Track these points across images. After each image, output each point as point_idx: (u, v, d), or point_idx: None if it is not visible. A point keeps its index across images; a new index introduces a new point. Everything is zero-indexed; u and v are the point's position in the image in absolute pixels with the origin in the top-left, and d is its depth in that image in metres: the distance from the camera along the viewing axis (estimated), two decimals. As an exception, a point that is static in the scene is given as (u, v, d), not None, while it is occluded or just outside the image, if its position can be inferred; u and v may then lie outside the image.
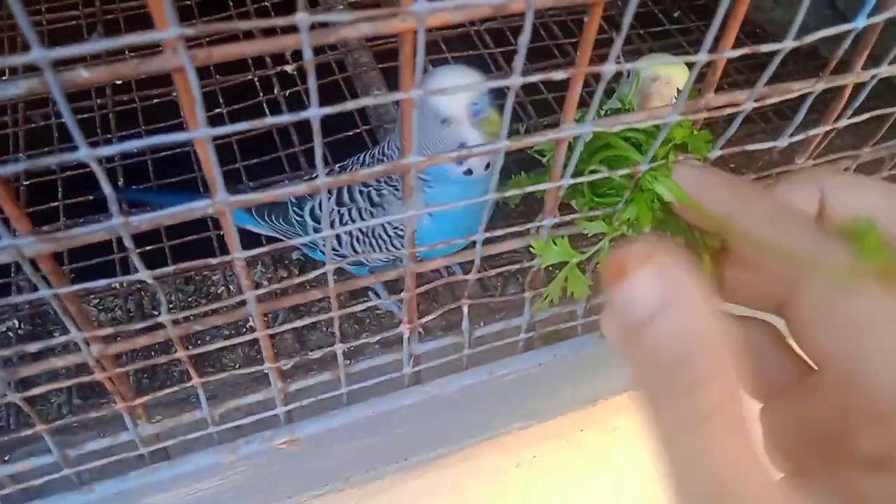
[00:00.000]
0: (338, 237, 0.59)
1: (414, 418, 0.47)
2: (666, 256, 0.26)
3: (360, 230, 0.58)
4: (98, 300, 0.63)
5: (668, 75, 0.61)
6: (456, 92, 0.50)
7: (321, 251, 0.60)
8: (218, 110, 0.78)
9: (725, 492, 0.23)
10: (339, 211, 0.58)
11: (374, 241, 0.58)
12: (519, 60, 0.27)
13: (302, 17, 0.23)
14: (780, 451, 0.30)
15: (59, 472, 0.40)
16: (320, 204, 0.59)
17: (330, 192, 0.58)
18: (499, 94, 0.36)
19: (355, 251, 0.59)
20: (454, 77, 0.52)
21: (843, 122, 0.40)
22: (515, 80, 0.28)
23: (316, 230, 0.59)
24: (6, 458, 0.41)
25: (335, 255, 0.60)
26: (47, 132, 0.76)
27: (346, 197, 0.58)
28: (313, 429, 0.44)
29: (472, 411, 0.49)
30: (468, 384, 0.46)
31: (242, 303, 0.36)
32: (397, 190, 0.57)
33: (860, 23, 0.31)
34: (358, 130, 0.78)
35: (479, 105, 0.53)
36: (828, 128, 0.39)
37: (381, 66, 0.85)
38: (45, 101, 0.79)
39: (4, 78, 0.23)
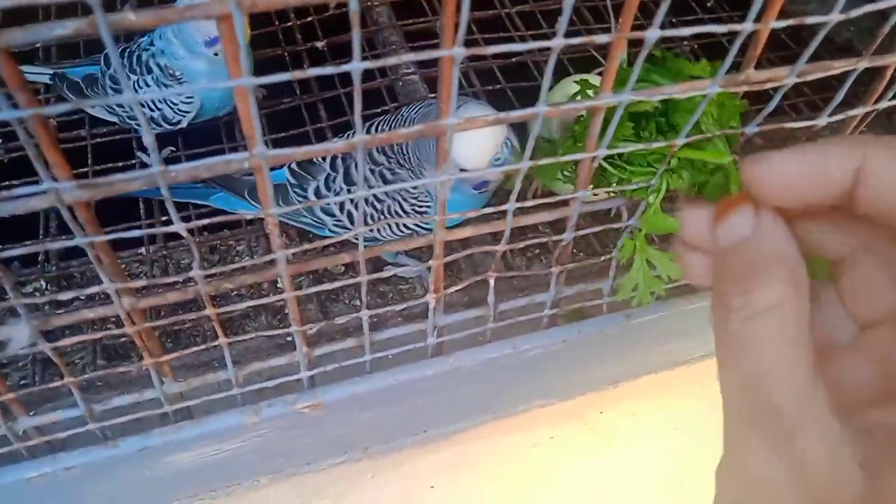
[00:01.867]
0: (349, 216, 0.59)
1: (435, 389, 0.47)
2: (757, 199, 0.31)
3: (375, 207, 0.58)
4: (124, 265, 0.64)
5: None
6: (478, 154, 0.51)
7: (329, 229, 0.60)
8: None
9: (758, 388, 0.27)
10: (348, 190, 0.58)
11: (389, 217, 0.57)
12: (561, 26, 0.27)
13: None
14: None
15: (85, 426, 0.40)
16: (325, 183, 0.59)
17: (336, 170, 0.58)
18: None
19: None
20: (480, 137, 0.50)
21: (884, 104, 0.39)
22: (558, 42, 0.28)
23: (324, 210, 0.59)
24: (32, 413, 0.41)
25: (343, 231, 0.60)
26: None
27: (354, 176, 0.58)
28: (336, 394, 0.44)
29: (494, 385, 0.49)
30: (491, 357, 0.46)
31: (272, 263, 0.36)
32: (411, 170, 0.56)
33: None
34: (386, 108, 0.78)
35: (500, 158, 0.52)
36: (868, 108, 0.39)
37: (410, 45, 0.85)
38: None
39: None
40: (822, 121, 0.37)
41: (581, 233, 0.41)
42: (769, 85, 0.34)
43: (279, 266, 0.36)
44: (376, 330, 0.43)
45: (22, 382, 0.53)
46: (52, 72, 0.72)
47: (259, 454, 0.46)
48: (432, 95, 0.75)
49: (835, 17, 0.31)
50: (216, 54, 0.63)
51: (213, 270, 0.35)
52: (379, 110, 0.78)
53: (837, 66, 0.35)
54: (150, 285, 0.34)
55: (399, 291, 0.61)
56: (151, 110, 0.67)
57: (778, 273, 0.29)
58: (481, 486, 0.65)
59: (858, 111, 0.39)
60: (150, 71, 0.66)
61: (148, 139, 0.27)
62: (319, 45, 0.82)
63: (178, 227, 0.31)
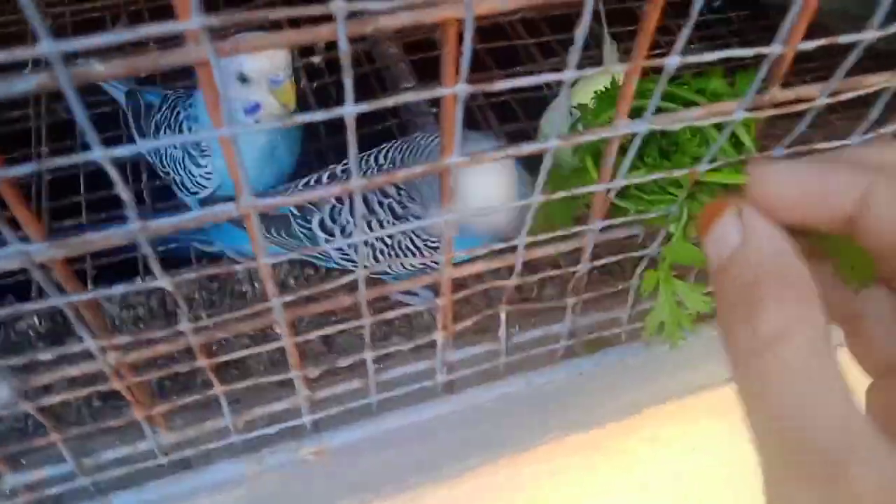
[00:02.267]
0: (356, 249, 0.56)
1: (447, 428, 0.44)
2: (742, 202, 0.28)
3: (385, 242, 0.55)
4: (120, 297, 0.61)
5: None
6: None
7: (336, 262, 0.57)
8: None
9: (789, 429, 0.24)
10: (355, 223, 0.55)
11: (399, 253, 0.55)
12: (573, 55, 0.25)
13: (338, 6, 0.20)
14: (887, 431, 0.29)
15: (76, 480, 0.38)
16: (330, 215, 0.56)
17: (342, 202, 0.56)
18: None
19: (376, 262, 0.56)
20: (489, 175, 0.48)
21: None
22: (570, 75, 0.25)
23: (328, 242, 0.56)
24: (23, 463, 0.39)
25: (351, 265, 0.57)
26: (72, 124, 0.74)
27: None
28: (341, 439, 0.42)
29: (509, 421, 0.47)
30: (504, 393, 0.44)
31: (268, 309, 0.34)
32: (423, 205, 0.53)
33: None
34: (388, 124, 0.76)
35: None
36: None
37: (410, 57, 0.82)
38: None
39: (26, 71, 0.21)
40: (856, 140, 0.34)
41: (598, 263, 0.39)
42: (799, 107, 0.31)
43: (275, 314, 0.33)
44: (383, 364, 0.41)
45: (18, 427, 0.51)
46: (126, 89, 0.69)
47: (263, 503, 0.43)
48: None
49: (870, 35, 0.28)
50: (257, 121, 0.56)
51: (204, 322, 0.32)
52: (379, 126, 0.75)
53: (872, 83, 0.33)
54: (136, 340, 0.32)
55: (407, 318, 0.58)
56: (174, 174, 0.62)
57: (781, 288, 0.25)
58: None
59: (894, 128, 0.36)
60: (181, 131, 0.60)
61: (124, 195, 0.24)
62: (316, 60, 0.79)
63: (163, 281, 0.29)
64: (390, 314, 0.37)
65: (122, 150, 0.23)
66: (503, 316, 0.41)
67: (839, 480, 0.23)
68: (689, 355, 0.48)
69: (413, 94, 0.25)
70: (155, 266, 0.28)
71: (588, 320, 0.44)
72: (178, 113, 0.61)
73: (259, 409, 0.40)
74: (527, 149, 0.29)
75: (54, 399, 0.34)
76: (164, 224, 0.26)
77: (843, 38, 0.29)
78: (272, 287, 0.32)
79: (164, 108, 0.63)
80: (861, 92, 0.33)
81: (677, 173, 0.33)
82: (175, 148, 0.61)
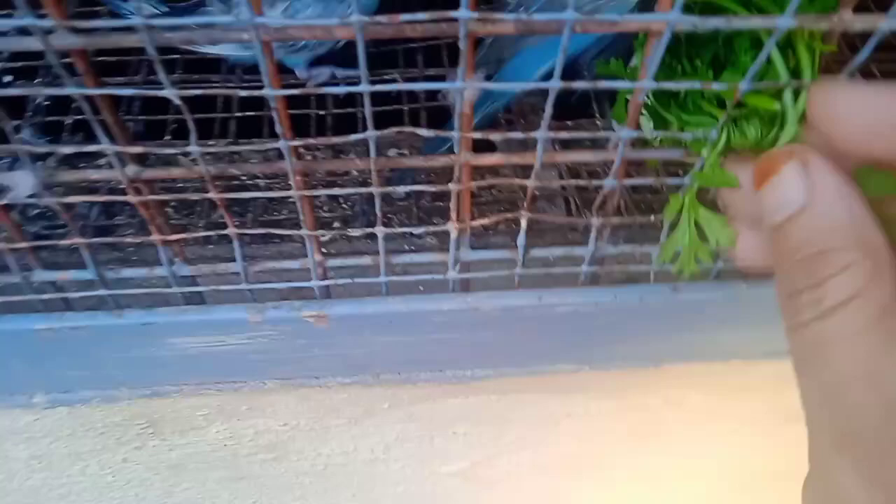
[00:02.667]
0: None
1: (452, 327, 0.44)
2: (810, 152, 0.26)
3: None
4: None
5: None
6: None
7: None
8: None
9: (842, 401, 0.23)
10: None
11: None
12: None
13: None
14: None
15: (95, 290, 0.41)
16: None
17: None
18: None
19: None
20: None
21: None
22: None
23: None
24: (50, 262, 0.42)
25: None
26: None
27: None
28: (344, 310, 0.42)
29: (517, 337, 0.46)
30: (513, 304, 0.43)
31: (281, 156, 0.34)
32: None
33: None
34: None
35: None
36: None
37: None
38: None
39: None
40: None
41: (628, 182, 0.37)
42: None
43: (286, 162, 0.34)
44: (395, 251, 0.41)
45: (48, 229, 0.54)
46: None
47: (264, 356, 0.45)
48: None
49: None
50: None
51: (212, 149, 0.33)
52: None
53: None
54: (151, 153, 0.33)
55: (426, 207, 0.57)
56: None
57: (850, 254, 0.24)
58: (511, 449, 0.62)
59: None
60: None
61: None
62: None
63: (169, 92, 0.30)
64: (401, 188, 0.37)
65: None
66: (523, 223, 0.40)
67: (883, 467, 0.22)
68: (721, 313, 0.45)
69: None
70: (161, 74, 0.29)
71: (617, 250, 0.42)
72: None
73: (271, 264, 0.41)
74: (542, 19, 0.28)
75: (74, 199, 0.36)
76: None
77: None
78: (282, 126, 0.32)
79: None
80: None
81: (714, 86, 0.31)
82: None
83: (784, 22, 0.27)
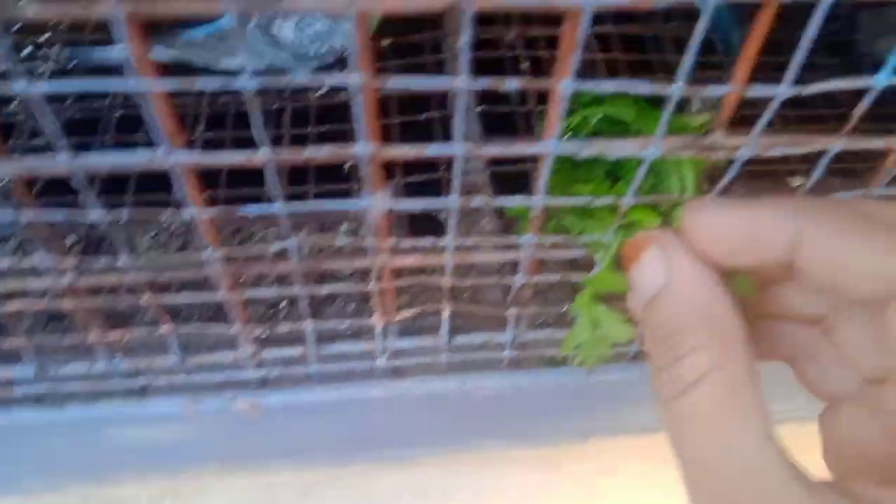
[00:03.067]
0: None
1: (385, 411, 0.46)
2: (668, 238, 0.29)
3: None
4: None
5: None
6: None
7: None
8: None
9: (704, 474, 0.25)
10: None
11: None
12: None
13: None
14: (832, 457, 0.29)
15: (35, 385, 0.42)
16: None
17: None
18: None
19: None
20: None
21: (879, 192, 0.36)
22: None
23: None
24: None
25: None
26: None
27: None
28: (277, 399, 0.44)
29: (447, 417, 0.48)
30: (440, 389, 0.45)
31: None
32: None
33: (880, 80, 0.28)
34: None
35: None
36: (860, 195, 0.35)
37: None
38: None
39: None
40: (797, 181, 0.34)
41: (534, 280, 0.40)
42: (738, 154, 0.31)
43: (213, 267, 0.36)
44: (325, 342, 0.43)
45: None
46: None
47: (203, 443, 0.47)
48: None
49: (784, 90, 0.28)
50: None
51: (141, 262, 0.36)
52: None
53: (815, 144, 0.33)
54: (85, 266, 0.35)
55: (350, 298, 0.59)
56: None
57: (702, 335, 0.26)
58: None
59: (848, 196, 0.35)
60: None
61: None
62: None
63: (95, 214, 0.32)
64: (326, 289, 0.39)
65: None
66: (445, 314, 0.42)
67: None
68: (635, 392, 0.48)
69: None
70: (90, 199, 0.31)
71: (536, 336, 0.45)
72: None
73: (205, 356, 0.43)
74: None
75: (13, 307, 0.38)
76: (98, 162, 0.30)
77: (757, 89, 0.29)
78: (208, 240, 0.35)
79: None
80: (802, 150, 0.32)
81: (598, 202, 0.34)
82: None
83: (652, 152, 0.30)
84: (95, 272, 0.37)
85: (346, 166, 0.74)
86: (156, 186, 0.65)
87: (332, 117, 0.71)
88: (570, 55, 0.27)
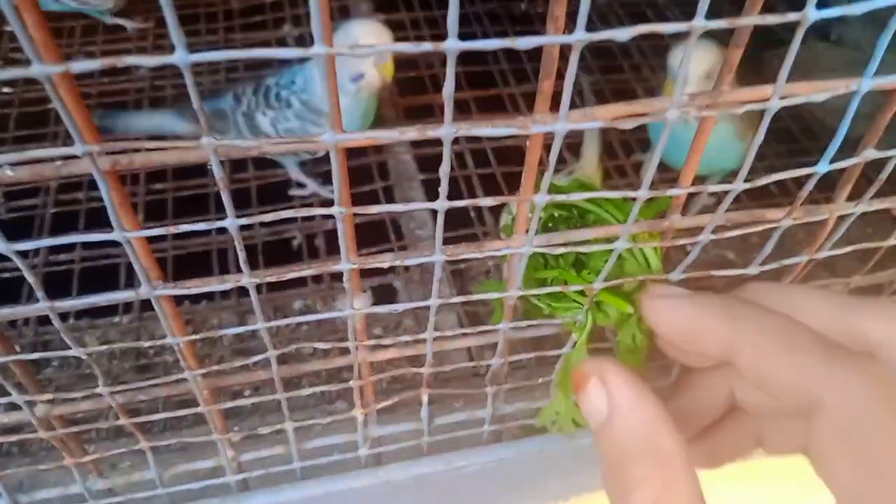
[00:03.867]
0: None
1: (368, 501, 0.46)
2: (609, 370, 0.29)
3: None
4: (100, 332, 0.65)
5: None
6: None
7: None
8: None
9: None
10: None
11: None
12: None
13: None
14: None
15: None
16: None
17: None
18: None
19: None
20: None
21: (824, 254, 0.38)
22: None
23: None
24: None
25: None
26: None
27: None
28: (262, 501, 0.44)
29: (430, 498, 0.48)
30: (425, 472, 0.45)
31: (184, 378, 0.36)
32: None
33: (822, 168, 0.30)
34: (373, 186, 0.79)
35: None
36: (805, 259, 0.38)
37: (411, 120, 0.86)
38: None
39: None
40: (753, 270, 0.36)
41: (513, 359, 0.41)
42: (695, 238, 0.33)
43: (192, 385, 0.36)
44: (305, 438, 0.43)
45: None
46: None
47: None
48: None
49: (739, 186, 0.30)
50: (359, 89, 0.68)
51: (121, 388, 0.35)
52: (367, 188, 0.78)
53: (766, 219, 0.34)
54: (59, 397, 0.35)
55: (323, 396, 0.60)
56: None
57: (644, 467, 0.27)
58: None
59: (797, 260, 0.37)
60: (290, 106, 0.70)
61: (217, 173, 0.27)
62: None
63: (77, 350, 0.32)
64: (304, 392, 0.39)
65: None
66: (425, 398, 0.43)
67: None
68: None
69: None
70: (68, 338, 0.31)
71: (513, 408, 0.45)
72: (276, 93, 0.71)
73: (185, 466, 0.43)
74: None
75: (-16, 442, 0.37)
76: (70, 305, 0.29)
77: (712, 187, 0.30)
78: (189, 361, 0.34)
79: (245, 99, 0.72)
80: (755, 229, 0.34)
81: (572, 288, 0.35)
82: (289, 119, 0.70)
83: (620, 244, 0.32)
84: (72, 401, 0.36)
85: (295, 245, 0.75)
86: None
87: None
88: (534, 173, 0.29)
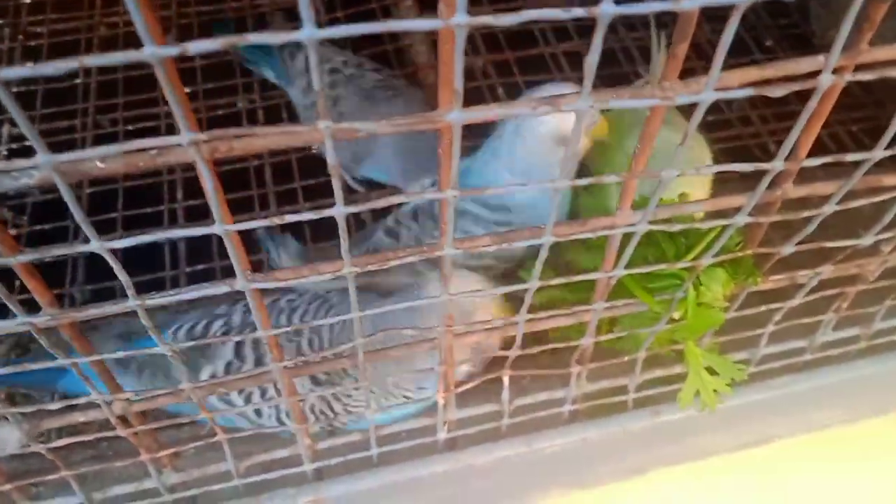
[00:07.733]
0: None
1: (447, 485, 0.45)
2: None
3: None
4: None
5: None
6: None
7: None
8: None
9: None
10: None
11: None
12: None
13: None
14: None
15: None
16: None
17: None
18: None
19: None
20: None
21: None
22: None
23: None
24: (37, 491, 0.41)
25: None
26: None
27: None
28: (339, 489, 0.43)
29: (510, 482, 0.47)
30: (504, 455, 0.44)
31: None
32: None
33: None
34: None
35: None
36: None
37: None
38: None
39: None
40: (868, 241, 0.34)
41: (602, 339, 0.39)
42: (804, 214, 0.31)
43: (275, 374, 0.34)
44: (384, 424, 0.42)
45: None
46: None
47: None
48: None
49: (878, 154, 0.27)
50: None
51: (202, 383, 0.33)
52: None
53: (886, 184, 0.32)
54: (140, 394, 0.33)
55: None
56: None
57: None
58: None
59: None
60: None
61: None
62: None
63: (163, 348, 0.30)
64: (389, 382, 0.37)
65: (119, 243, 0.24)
66: (506, 381, 0.41)
67: None
68: (698, 424, 0.47)
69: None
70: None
71: (594, 387, 0.44)
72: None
73: (261, 456, 0.41)
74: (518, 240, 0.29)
75: (62, 442, 0.35)
76: (158, 300, 0.27)
77: (851, 157, 0.28)
78: (273, 352, 0.33)
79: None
80: (876, 199, 0.32)
81: (681, 265, 0.33)
82: None
83: (740, 219, 0.29)
84: (150, 398, 0.34)
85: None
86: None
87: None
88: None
